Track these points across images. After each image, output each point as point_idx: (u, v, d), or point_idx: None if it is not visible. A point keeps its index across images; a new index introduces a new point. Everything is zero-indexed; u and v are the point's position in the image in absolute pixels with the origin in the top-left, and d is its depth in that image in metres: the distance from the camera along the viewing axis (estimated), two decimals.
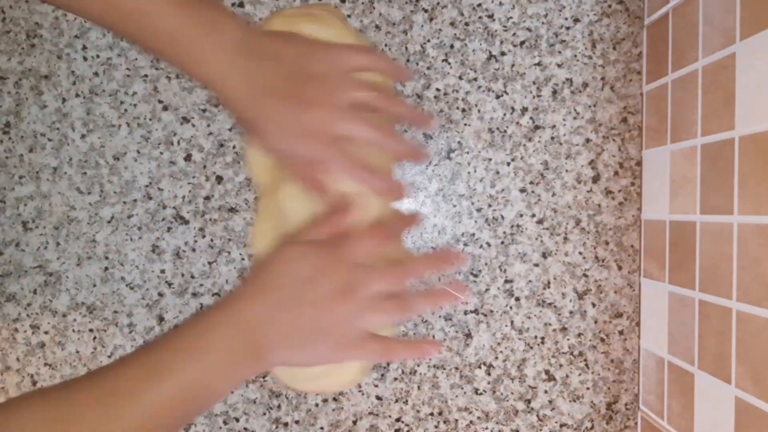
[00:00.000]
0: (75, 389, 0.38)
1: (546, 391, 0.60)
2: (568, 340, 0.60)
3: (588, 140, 0.60)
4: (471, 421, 0.60)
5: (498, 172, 0.60)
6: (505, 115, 0.60)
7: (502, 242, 0.60)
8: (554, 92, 0.60)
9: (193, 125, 0.59)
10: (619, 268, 0.60)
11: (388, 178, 0.46)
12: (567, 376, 0.60)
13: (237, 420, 0.60)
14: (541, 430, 0.60)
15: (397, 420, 0.60)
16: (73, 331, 0.59)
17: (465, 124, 0.60)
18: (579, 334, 0.60)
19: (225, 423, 0.60)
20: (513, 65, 0.60)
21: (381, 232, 0.46)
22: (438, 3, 0.60)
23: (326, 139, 0.43)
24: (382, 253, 0.46)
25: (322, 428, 0.60)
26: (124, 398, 0.37)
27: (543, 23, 0.60)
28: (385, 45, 0.60)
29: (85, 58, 0.59)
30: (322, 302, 0.42)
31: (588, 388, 0.60)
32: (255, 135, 0.44)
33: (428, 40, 0.60)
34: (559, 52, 0.60)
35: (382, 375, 0.60)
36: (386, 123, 0.47)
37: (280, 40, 0.44)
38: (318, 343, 0.42)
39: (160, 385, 0.38)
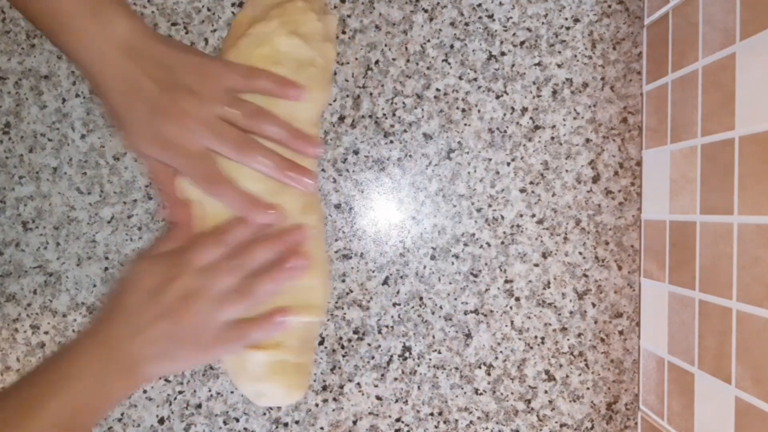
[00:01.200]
0: None
1: (546, 391, 0.60)
2: (568, 340, 0.60)
3: (588, 140, 0.60)
4: (471, 421, 0.60)
5: (498, 172, 0.60)
6: (505, 115, 0.60)
7: (502, 242, 0.60)
8: (554, 92, 0.60)
9: None
10: (619, 268, 0.60)
11: (240, 196, 0.46)
12: (567, 376, 0.60)
13: (237, 420, 0.60)
14: (541, 430, 0.60)
15: (397, 420, 0.60)
16: (73, 331, 0.59)
17: (465, 124, 0.60)
18: (579, 334, 0.60)
19: (225, 423, 0.60)
20: (513, 65, 0.60)
21: (219, 236, 0.46)
22: (438, 3, 0.60)
23: (185, 152, 0.44)
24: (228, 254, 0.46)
25: (322, 428, 0.60)
26: None
27: (543, 23, 0.60)
28: (385, 45, 0.60)
29: None
30: (172, 310, 0.43)
31: (588, 388, 0.60)
32: (120, 131, 0.45)
33: (428, 40, 0.60)
34: (559, 52, 0.60)
35: (382, 375, 0.60)
36: (253, 141, 0.46)
37: (168, 47, 0.44)
38: (181, 349, 0.44)
39: (35, 419, 0.40)
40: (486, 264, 0.60)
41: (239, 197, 0.46)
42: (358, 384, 0.60)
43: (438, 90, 0.60)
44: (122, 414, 0.59)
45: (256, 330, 0.45)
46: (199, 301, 0.44)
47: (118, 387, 0.43)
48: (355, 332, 0.60)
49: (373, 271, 0.60)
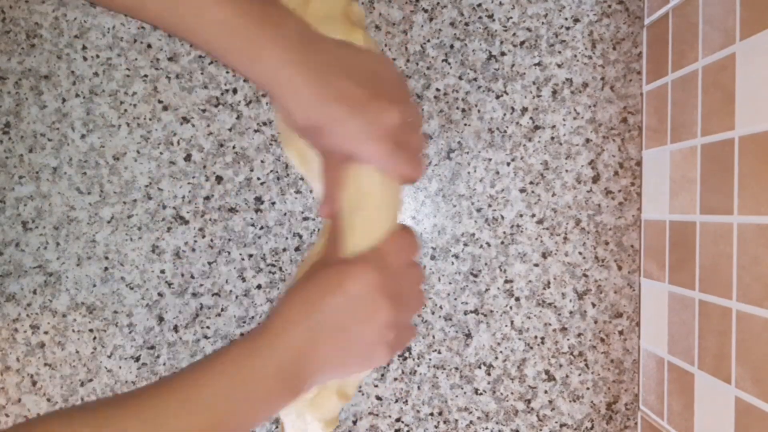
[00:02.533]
0: (105, 416, 0.37)
1: (546, 391, 0.60)
2: (568, 340, 0.60)
3: (588, 140, 0.60)
4: (471, 421, 0.60)
5: (498, 172, 0.60)
6: (505, 115, 0.60)
7: (502, 242, 0.60)
8: (554, 92, 0.60)
9: (193, 125, 0.59)
10: (619, 268, 0.60)
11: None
12: (567, 376, 0.60)
13: None
14: (541, 430, 0.60)
15: (397, 420, 0.60)
16: (73, 331, 0.59)
17: (465, 124, 0.60)
18: (579, 334, 0.60)
19: None
20: (513, 65, 0.60)
21: (413, 237, 0.46)
22: (438, 3, 0.60)
23: (393, 144, 0.43)
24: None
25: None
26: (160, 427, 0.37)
27: (543, 23, 0.60)
28: (385, 45, 0.60)
29: (85, 58, 0.59)
30: (364, 320, 0.42)
31: (588, 388, 0.60)
32: (315, 137, 0.43)
33: (428, 40, 0.60)
34: (559, 52, 0.60)
35: (382, 375, 0.60)
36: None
37: (336, 40, 0.43)
38: (352, 359, 0.42)
39: (191, 418, 0.38)
40: (486, 264, 0.60)
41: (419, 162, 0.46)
42: (358, 384, 0.60)
43: (438, 90, 0.60)
44: None
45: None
46: (405, 301, 0.43)
47: (282, 399, 0.40)
48: None
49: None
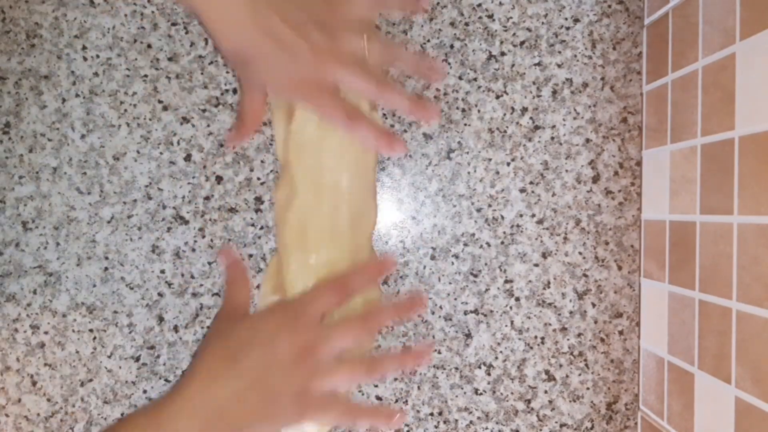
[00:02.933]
0: None
1: (546, 391, 0.60)
2: (568, 340, 0.60)
3: (588, 140, 0.60)
4: (471, 421, 0.60)
5: (498, 172, 0.60)
6: (505, 115, 0.60)
7: (502, 242, 0.60)
8: (554, 92, 0.60)
9: (193, 125, 0.59)
10: (619, 268, 0.60)
11: (382, 131, 0.44)
12: (567, 376, 0.60)
13: None
14: (541, 430, 0.60)
15: None
16: (73, 331, 0.59)
17: (465, 124, 0.60)
18: (579, 334, 0.60)
19: None
20: (513, 65, 0.60)
21: (342, 287, 0.44)
22: (438, 3, 0.60)
23: (317, 87, 0.42)
24: (347, 304, 0.45)
25: None
26: None
27: (543, 23, 0.60)
28: None
29: (85, 58, 0.59)
30: (287, 366, 0.41)
31: (588, 388, 0.60)
32: (245, 70, 0.43)
33: (428, 40, 0.60)
34: (559, 52, 0.60)
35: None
36: (386, 77, 0.46)
37: None
38: (281, 407, 0.41)
39: None
40: (486, 264, 0.60)
41: (378, 130, 0.44)
42: (358, 384, 0.60)
43: (438, 90, 0.60)
44: (122, 414, 0.59)
45: (370, 420, 0.44)
46: (311, 360, 0.41)
47: None
48: None
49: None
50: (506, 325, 0.60)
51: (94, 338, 0.59)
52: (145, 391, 0.59)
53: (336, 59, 0.42)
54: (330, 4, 0.43)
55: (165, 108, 0.59)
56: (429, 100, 0.49)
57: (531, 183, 0.60)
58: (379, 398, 0.60)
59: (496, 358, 0.60)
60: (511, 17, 0.60)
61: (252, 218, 0.59)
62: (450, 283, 0.60)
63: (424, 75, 0.47)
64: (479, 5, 0.60)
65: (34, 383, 0.59)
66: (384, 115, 0.60)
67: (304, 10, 0.41)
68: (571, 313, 0.60)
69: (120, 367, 0.59)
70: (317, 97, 0.43)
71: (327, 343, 0.42)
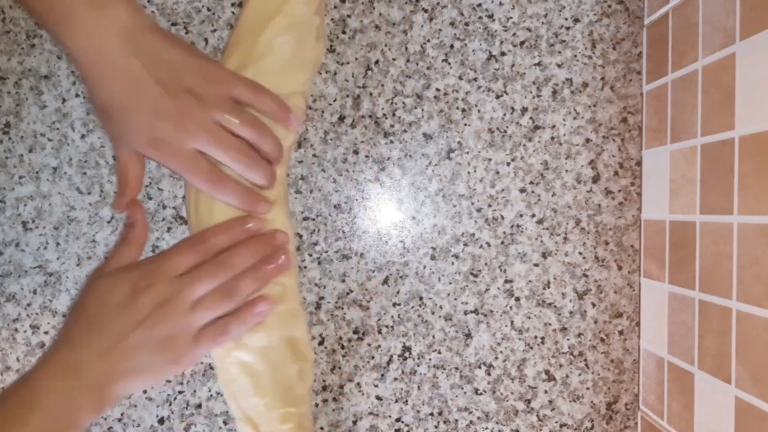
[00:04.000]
0: None
1: (546, 391, 0.60)
2: (568, 340, 0.60)
3: (588, 140, 0.60)
4: (471, 421, 0.60)
5: (498, 172, 0.60)
6: (505, 115, 0.60)
7: (502, 242, 0.60)
8: (554, 92, 0.60)
9: None
10: (619, 268, 0.60)
11: (245, 191, 0.46)
12: (567, 376, 0.60)
13: None
14: (541, 430, 0.60)
15: (397, 420, 0.60)
16: None
17: (465, 124, 0.60)
18: (579, 334, 0.60)
19: (225, 423, 0.60)
20: (513, 65, 0.60)
21: (201, 245, 0.45)
22: (438, 3, 0.60)
23: (179, 152, 0.43)
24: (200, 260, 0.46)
25: (322, 428, 0.60)
26: None
27: (543, 23, 0.60)
28: (385, 45, 0.60)
29: None
30: (145, 319, 0.42)
31: (588, 388, 0.60)
32: (110, 127, 0.44)
33: (428, 40, 0.60)
34: (559, 52, 0.60)
35: (382, 375, 0.60)
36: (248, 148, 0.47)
37: (171, 43, 0.44)
38: (156, 360, 0.42)
39: None
40: (486, 264, 0.60)
41: (243, 191, 0.45)
42: (358, 384, 0.60)
43: (438, 90, 0.60)
44: (122, 414, 0.59)
45: (237, 323, 0.44)
46: (176, 307, 0.42)
47: (86, 412, 0.41)
48: (355, 332, 0.60)
49: (373, 271, 0.60)
50: (506, 325, 0.60)
51: None
52: (145, 391, 0.59)
53: (201, 126, 0.43)
54: (207, 79, 0.44)
55: None
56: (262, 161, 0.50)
57: (531, 183, 0.60)
58: (379, 398, 0.60)
59: (496, 358, 0.60)
60: (511, 17, 0.60)
61: None
62: (450, 283, 0.60)
63: (281, 121, 0.48)
64: (479, 5, 0.60)
65: None
66: (384, 115, 0.60)
67: (179, 75, 0.43)
68: (571, 313, 0.60)
69: None
70: (175, 158, 0.43)
71: (186, 292, 0.43)
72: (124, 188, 0.47)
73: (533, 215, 0.60)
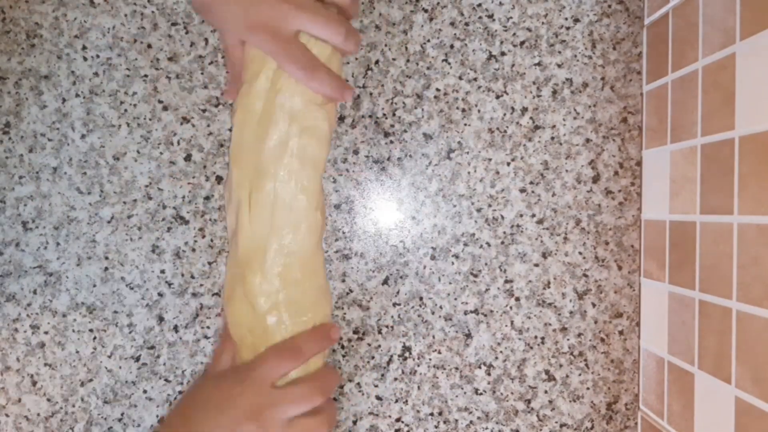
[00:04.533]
0: None
1: (546, 391, 0.60)
2: (568, 340, 0.60)
3: (588, 140, 0.60)
4: (471, 421, 0.60)
5: (498, 172, 0.60)
6: (505, 115, 0.60)
7: (502, 242, 0.60)
8: (554, 92, 0.60)
9: (193, 125, 0.59)
10: (619, 268, 0.60)
11: (337, 80, 0.46)
12: (567, 376, 0.60)
13: None
14: (541, 430, 0.60)
15: (397, 420, 0.60)
16: (73, 331, 0.59)
17: (465, 124, 0.60)
18: (579, 334, 0.60)
19: None
20: (513, 65, 0.60)
21: (296, 353, 0.47)
22: (438, 3, 0.60)
23: (280, 37, 0.44)
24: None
25: None
26: None
27: (543, 23, 0.60)
28: (385, 45, 0.60)
29: (85, 58, 0.59)
30: (232, 427, 0.44)
31: (588, 388, 0.60)
32: (210, 15, 0.45)
33: (428, 40, 0.60)
34: (559, 52, 0.60)
35: (382, 375, 0.60)
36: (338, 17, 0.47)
37: None
38: None
39: None
40: (486, 264, 0.60)
41: (336, 79, 0.45)
42: (358, 384, 0.60)
43: (438, 90, 0.60)
44: (122, 414, 0.59)
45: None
46: (269, 421, 0.44)
47: None
48: (355, 332, 0.60)
49: (373, 271, 0.60)
50: (506, 325, 0.60)
51: (94, 338, 0.59)
52: (145, 391, 0.59)
53: (294, 3, 0.43)
54: None
55: (165, 108, 0.59)
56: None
57: (531, 183, 0.60)
58: (379, 398, 0.60)
59: (496, 358, 0.60)
60: (511, 17, 0.60)
61: None
62: (450, 283, 0.60)
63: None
64: (479, 5, 0.60)
65: (34, 383, 0.59)
66: (384, 115, 0.60)
67: None
68: (571, 313, 0.60)
69: (120, 367, 0.59)
70: (273, 42, 0.44)
71: (278, 408, 0.45)
72: (237, 76, 0.48)
73: (533, 215, 0.60)
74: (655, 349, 0.56)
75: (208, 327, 0.59)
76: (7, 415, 0.59)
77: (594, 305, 0.60)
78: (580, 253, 0.60)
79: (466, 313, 0.60)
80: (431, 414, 0.60)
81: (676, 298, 0.53)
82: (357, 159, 0.60)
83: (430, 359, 0.60)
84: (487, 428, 0.60)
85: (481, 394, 0.60)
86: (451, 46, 0.60)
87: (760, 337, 0.41)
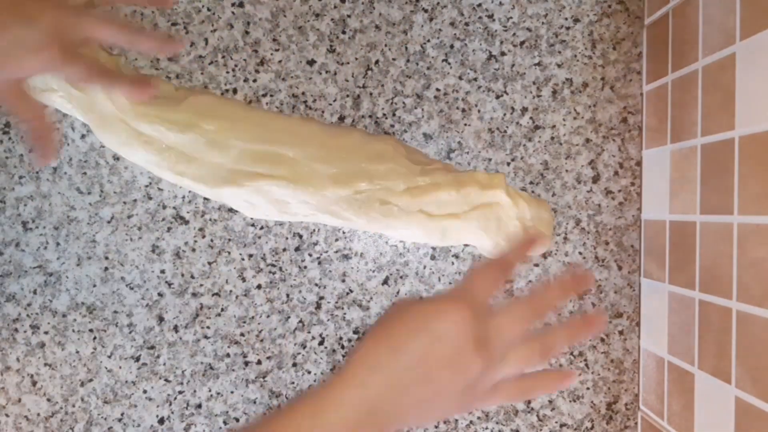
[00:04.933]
0: None
1: None
2: None
3: (588, 140, 0.60)
4: (471, 421, 0.60)
5: (498, 172, 0.60)
6: (505, 115, 0.60)
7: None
8: (554, 92, 0.60)
9: None
10: (619, 268, 0.60)
11: (135, 78, 0.45)
12: None
13: (237, 420, 0.60)
14: (541, 430, 0.60)
15: None
16: (73, 331, 0.59)
17: (465, 124, 0.60)
18: None
19: (225, 423, 0.60)
20: (513, 65, 0.60)
21: (506, 266, 0.42)
22: (438, 3, 0.60)
23: (60, 49, 0.41)
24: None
25: None
26: None
27: (543, 23, 0.60)
28: (385, 45, 0.60)
29: None
30: (451, 361, 0.37)
31: (588, 388, 0.60)
32: None
33: (428, 40, 0.60)
34: (559, 52, 0.60)
35: None
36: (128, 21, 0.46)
37: None
38: (445, 403, 0.38)
39: None
40: None
41: (132, 80, 0.44)
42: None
43: (438, 90, 0.60)
44: (122, 414, 0.59)
45: (541, 390, 0.42)
46: (486, 355, 0.38)
47: None
48: (355, 332, 0.60)
49: (373, 271, 0.60)
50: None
51: (94, 338, 0.59)
52: (145, 391, 0.59)
53: (66, 15, 0.41)
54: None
55: None
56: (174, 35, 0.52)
57: (531, 183, 0.60)
58: None
59: None
60: (511, 17, 0.60)
61: (252, 218, 0.59)
62: (450, 283, 0.60)
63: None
64: (479, 5, 0.60)
65: (34, 383, 0.59)
66: (384, 115, 0.60)
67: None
68: (571, 313, 0.60)
69: (120, 367, 0.59)
70: (65, 61, 0.41)
71: (499, 336, 0.39)
72: (37, 134, 0.45)
73: None
74: (655, 349, 0.56)
75: (208, 327, 0.59)
76: (7, 415, 0.59)
77: (594, 305, 0.60)
78: (580, 253, 0.60)
79: None
80: None
81: (676, 298, 0.53)
82: None
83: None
84: (487, 428, 0.60)
85: None
86: (451, 46, 0.60)
87: (760, 337, 0.41)
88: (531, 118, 0.60)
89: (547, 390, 0.42)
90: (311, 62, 0.60)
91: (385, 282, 0.60)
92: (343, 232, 0.60)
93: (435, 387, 0.37)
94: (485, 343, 0.38)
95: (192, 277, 0.59)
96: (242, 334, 0.59)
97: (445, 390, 0.38)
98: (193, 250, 0.59)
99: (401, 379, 0.37)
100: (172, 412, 0.60)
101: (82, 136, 0.59)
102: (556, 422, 0.60)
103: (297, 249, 0.59)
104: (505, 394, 0.40)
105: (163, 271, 0.59)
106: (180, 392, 0.59)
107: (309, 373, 0.59)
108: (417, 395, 0.37)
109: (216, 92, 0.59)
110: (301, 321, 0.59)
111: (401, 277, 0.60)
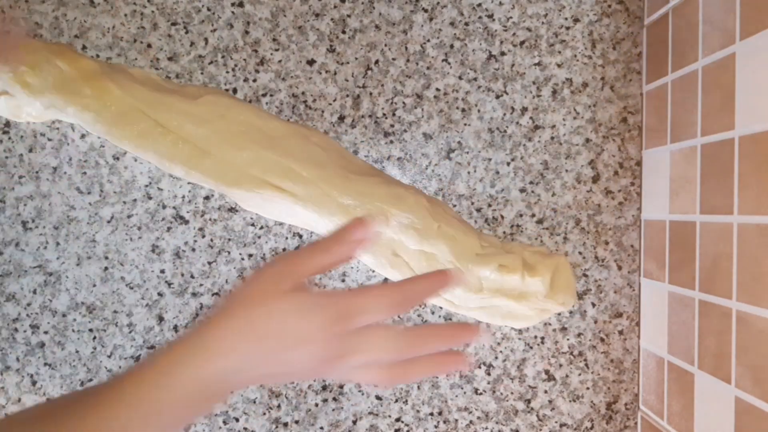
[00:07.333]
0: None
1: (546, 391, 0.60)
2: (568, 340, 0.60)
3: (588, 140, 0.60)
4: (471, 421, 0.60)
5: (498, 172, 0.60)
6: (505, 115, 0.60)
7: (502, 242, 0.60)
8: (554, 92, 0.60)
9: None
10: (619, 268, 0.60)
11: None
12: (567, 376, 0.60)
13: (237, 420, 0.60)
14: (541, 430, 0.60)
15: (397, 420, 0.60)
16: (73, 331, 0.59)
17: (465, 124, 0.60)
18: (579, 334, 0.60)
19: (225, 423, 0.60)
20: (513, 65, 0.60)
21: (401, 298, 0.40)
22: (438, 3, 0.60)
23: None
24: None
25: (322, 428, 0.60)
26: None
27: (543, 23, 0.60)
28: (385, 45, 0.60)
29: None
30: (308, 364, 0.38)
31: (588, 388, 0.60)
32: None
33: (428, 40, 0.60)
34: (559, 52, 0.60)
35: None
36: None
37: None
38: (296, 376, 0.41)
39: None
40: None
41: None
42: (358, 384, 0.60)
43: (438, 90, 0.60)
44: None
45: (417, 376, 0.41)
46: (338, 365, 0.38)
47: (201, 410, 0.38)
48: None
49: (373, 271, 0.60)
50: (506, 325, 0.60)
51: (94, 338, 0.59)
52: None
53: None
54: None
55: None
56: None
57: (531, 183, 0.60)
58: (378, 398, 0.60)
59: (496, 358, 0.60)
60: (511, 17, 0.60)
61: (252, 218, 0.59)
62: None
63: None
64: (479, 5, 0.60)
65: (34, 383, 0.59)
66: (384, 115, 0.60)
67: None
68: (570, 312, 0.60)
69: (120, 367, 0.59)
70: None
71: (359, 355, 0.39)
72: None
73: (533, 215, 0.60)
74: (655, 349, 0.56)
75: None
76: (6, 415, 0.59)
77: (594, 305, 0.60)
78: (580, 253, 0.60)
79: None
80: (431, 414, 0.60)
81: (676, 298, 0.53)
82: None
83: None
84: (486, 428, 0.60)
85: (480, 393, 0.60)
86: (451, 46, 0.60)
87: (760, 337, 0.41)
88: (531, 117, 0.60)
89: (428, 373, 0.40)
90: (311, 62, 0.60)
91: (385, 282, 0.60)
92: None
93: (277, 374, 0.39)
94: (340, 357, 0.38)
95: (192, 276, 0.59)
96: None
97: (288, 374, 0.39)
98: (193, 249, 0.59)
99: (250, 358, 0.37)
100: None
101: (82, 136, 0.59)
102: (556, 422, 0.60)
103: (297, 249, 0.59)
104: (374, 376, 0.40)
105: (162, 271, 0.59)
106: None
107: None
108: (257, 377, 0.38)
109: None
110: None
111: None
